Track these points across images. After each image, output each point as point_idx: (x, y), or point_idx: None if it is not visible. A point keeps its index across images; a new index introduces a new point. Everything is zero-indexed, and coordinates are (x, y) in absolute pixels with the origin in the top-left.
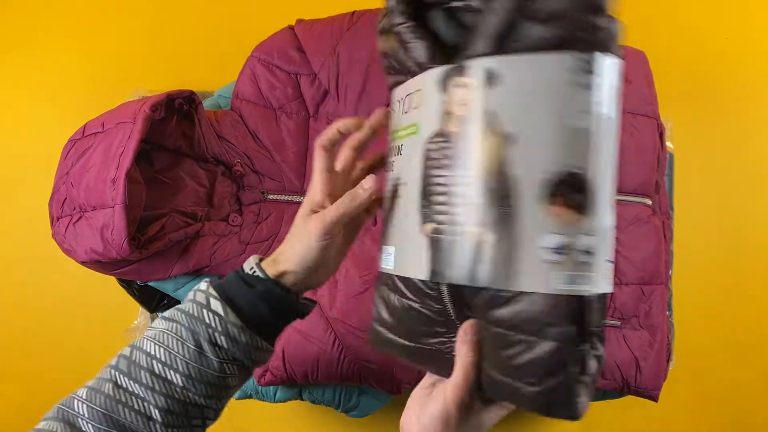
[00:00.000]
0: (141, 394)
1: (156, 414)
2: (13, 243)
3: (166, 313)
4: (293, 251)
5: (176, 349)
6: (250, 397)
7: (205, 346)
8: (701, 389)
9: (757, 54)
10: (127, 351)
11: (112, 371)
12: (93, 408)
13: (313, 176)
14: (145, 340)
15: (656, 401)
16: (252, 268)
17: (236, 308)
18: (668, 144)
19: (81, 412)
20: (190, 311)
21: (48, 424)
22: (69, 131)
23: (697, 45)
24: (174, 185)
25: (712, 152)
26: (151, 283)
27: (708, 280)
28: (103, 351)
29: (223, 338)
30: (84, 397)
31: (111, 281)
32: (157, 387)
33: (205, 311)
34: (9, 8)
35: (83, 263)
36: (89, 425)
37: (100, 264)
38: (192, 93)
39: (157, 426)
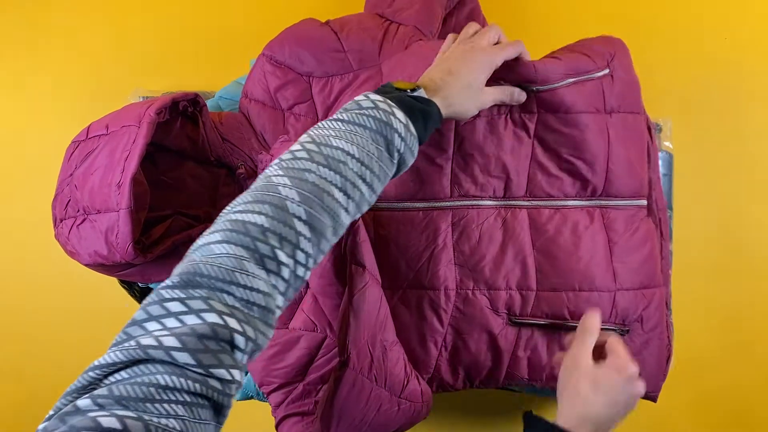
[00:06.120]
0: (343, 187)
1: (351, 207)
2: (14, 243)
3: (341, 117)
4: (460, 83)
5: (368, 149)
6: (251, 398)
7: (391, 149)
8: (701, 389)
9: (756, 54)
10: (312, 147)
11: (309, 163)
12: (302, 193)
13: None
14: (330, 138)
15: (655, 402)
16: (414, 89)
17: (413, 122)
18: (668, 144)
19: (290, 196)
20: (377, 116)
21: (255, 206)
22: (69, 131)
23: (696, 45)
24: (177, 186)
25: (712, 152)
26: (152, 285)
27: (708, 279)
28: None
29: (404, 146)
30: (288, 183)
31: (112, 282)
32: (354, 182)
33: (392, 118)
34: (9, 8)
35: (87, 265)
36: (300, 208)
37: (103, 267)
38: (196, 95)
39: (348, 219)
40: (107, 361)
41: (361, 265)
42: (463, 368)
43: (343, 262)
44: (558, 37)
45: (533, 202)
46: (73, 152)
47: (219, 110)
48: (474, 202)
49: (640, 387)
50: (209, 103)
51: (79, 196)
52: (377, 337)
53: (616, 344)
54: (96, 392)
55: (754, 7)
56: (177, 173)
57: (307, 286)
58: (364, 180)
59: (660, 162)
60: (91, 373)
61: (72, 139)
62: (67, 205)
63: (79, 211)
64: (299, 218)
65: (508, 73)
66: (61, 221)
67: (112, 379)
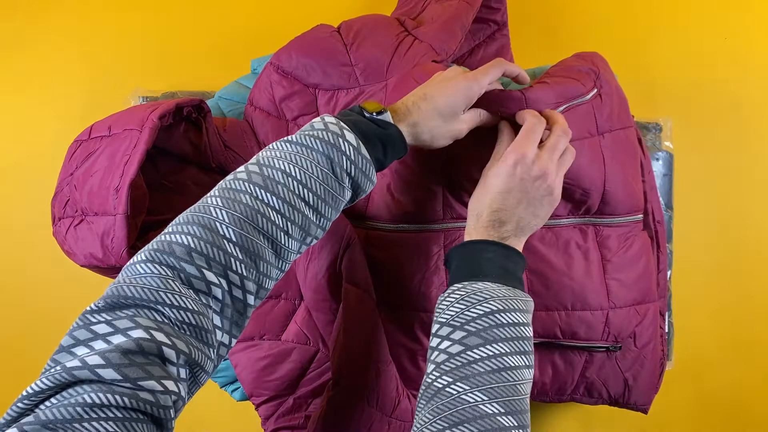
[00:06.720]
0: (280, 209)
1: (293, 229)
2: (13, 242)
3: (291, 138)
4: (433, 107)
5: (311, 171)
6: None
7: (338, 172)
8: (701, 389)
9: (756, 54)
10: (254, 168)
11: (246, 184)
12: (232, 214)
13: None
14: (274, 159)
15: (646, 413)
16: (380, 112)
17: (367, 145)
18: (668, 144)
19: (220, 217)
20: (325, 138)
21: (183, 227)
22: (69, 131)
23: (696, 45)
24: (177, 191)
25: (713, 152)
26: None
27: (708, 279)
28: None
29: (354, 169)
30: (220, 204)
31: (111, 282)
32: (294, 203)
33: (340, 140)
34: (9, 8)
35: (82, 266)
36: (229, 229)
37: (99, 268)
38: (201, 101)
39: (293, 242)
40: (35, 390)
41: (355, 283)
42: None
43: (338, 279)
44: (554, 39)
45: None
46: (74, 152)
47: (219, 110)
48: (466, 224)
49: (526, 168)
50: (210, 103)
51: (78, 197)
52: (371, 356)
53: (524, 129)
54: (23, 420)
55: (754, 7)
56: (178, 178)
57: (302, 298)
58: (306, 202)
59: (660, 162)
60: (19, 404)
61: (73, 137)
62: (65, 204)
63: (77, 211)
64: (229, 240)
65: (497, 107)
66: (60, 220)
67: (42, 407)
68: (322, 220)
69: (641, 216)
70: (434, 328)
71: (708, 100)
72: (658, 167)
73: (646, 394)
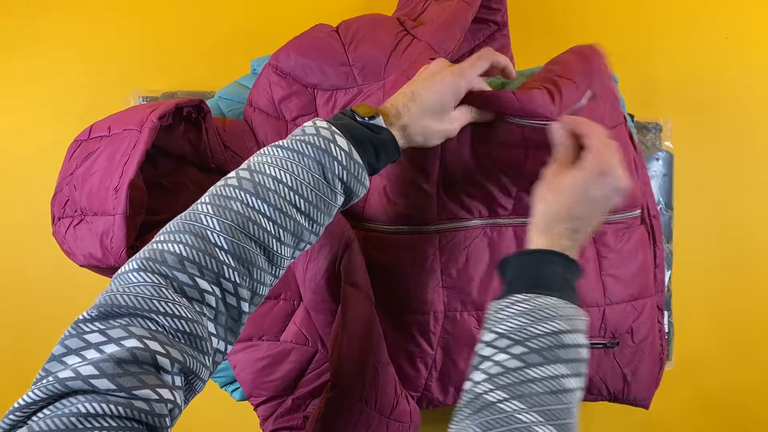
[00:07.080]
0: (271, 216)
1: (285, 236)
2: (13, 242)
3: (283, 143)
4: (421, 108)
5: (302, 177)
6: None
7: (330, 177)
8: (701, 389)
9: (757, 54)
10: (245, 174)
11: (237, 191)
12: (223, 222)
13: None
14: (265, 165)
15: (647, 409)
16: (373, 116)
17: (359, 149)
18: (668, 144)
19: (210, 225)
20: (316, 143)
21: (174, 236)
22: (69, 131)
23: (696, 45)
24: (176, 191)
25: (713, 152)
26: None
27: (708, 279)
28: None
29: (346, 174)
30: (211, 212)
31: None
32: (286, 210)
33: (332, 145)
34: (9, 8)
35: (82, 266)
36: (220, 237)
37: (98, 268)
38: (201, 102)
39: (286, 249)
40: (26, 401)
41: (354, 285)
42: (454, 386)
43: (338, 280)
44: (554, 39)
45: (519, 219)
46: (74, 151)
47: (219, 110)
48: (461, 224)
49: (614, 179)
50: (209, 103)
51: (77, 197)
52: (369, 358)
53: (604, 141)
54: None
55: (754, 7)
56: (177, 177)
57: (300, 299)
58: (297, 209)
59: (660, 162)
60: (11, 416)
61: (73, 137)
62: (65, 204)
63: (76, 211)
64: (221, 247)
65: (488, 106)
66: (59, 219)
67: (35, 418)
68: (314, 225)
69: (638, 212)
70: (488, 336)
71: (708, 100)
72: (658, 167)
73: (645, 389)
